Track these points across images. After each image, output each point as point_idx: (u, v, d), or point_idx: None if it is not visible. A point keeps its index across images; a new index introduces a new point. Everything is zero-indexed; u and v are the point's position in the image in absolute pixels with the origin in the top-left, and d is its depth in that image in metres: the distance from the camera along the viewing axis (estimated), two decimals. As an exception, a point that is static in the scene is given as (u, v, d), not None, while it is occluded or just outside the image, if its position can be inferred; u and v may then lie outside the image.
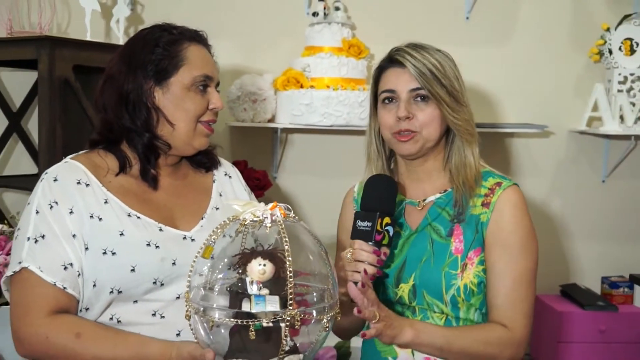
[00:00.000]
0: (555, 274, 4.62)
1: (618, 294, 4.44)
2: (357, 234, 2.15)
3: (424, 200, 2.36)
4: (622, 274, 4.66)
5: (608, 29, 4.43)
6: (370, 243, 2.12)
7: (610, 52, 4.42)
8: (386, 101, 2.31)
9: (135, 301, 2.08)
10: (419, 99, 2.26)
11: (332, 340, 3.54)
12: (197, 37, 2.24)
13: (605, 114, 4.35)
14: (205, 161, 2.38)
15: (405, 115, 2.25)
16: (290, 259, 1.68)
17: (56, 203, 2.07)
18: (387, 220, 2.13)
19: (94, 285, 2.03)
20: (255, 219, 1.78)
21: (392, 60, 2.33)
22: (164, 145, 2.19)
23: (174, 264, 2.09)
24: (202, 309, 1.75)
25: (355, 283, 2.04)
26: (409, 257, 2.29)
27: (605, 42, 4.43)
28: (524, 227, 2.25)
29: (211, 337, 1.76)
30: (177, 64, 2.16)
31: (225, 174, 2.44)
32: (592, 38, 4.51)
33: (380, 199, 2.18)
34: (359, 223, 2.15)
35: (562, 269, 4.66)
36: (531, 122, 4.47)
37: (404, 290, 2.27)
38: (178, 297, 2.06)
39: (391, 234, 2.15)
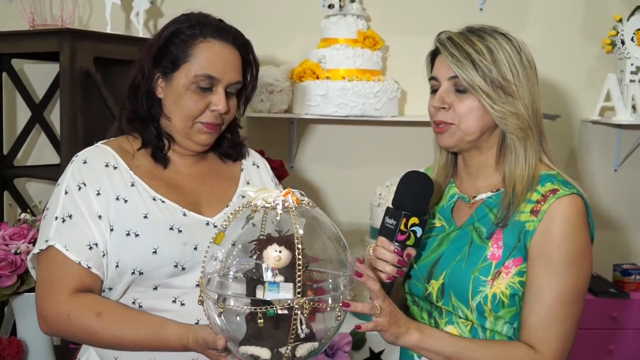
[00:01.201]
0: None
1: (630, 281, 4.45)
2: (382, 230, 2.07)
3: (475, 197, 2.18)
4: (633, 261, 4.70)
5: (620, 20, 4.44)
6: (394, 242, 2.03)
7: (623, 42, 4.44)
8: (433, 91, 2.16)
9: (156, 287, 2.10)
10: (458, 89, 2.08)
11: (348, 327, 3.60)
12: (223, 34, 2.17)
13: (617, 103, 4.37)
14: (232, 153, 2.37)
15: (439, 105, 2.10)
16: (299, 246, 1.66)
17: (84, 184, 2.10)
18: (414, 220, 2.02)
19: (117, 266, 2.06)
20: (267, 204, 1.75)
21: (439, 44, 2.14)
22: (168, 137, 2.21)
23: (195, 249, 2.10)
24: (215, 295, 1.75)
25: (382, 282, 1.99)
26: (445, 254, 2.15)
27: (618, 32, 4.45)
28: (575, 242, 1.99)
29: (224, 323, 1.76)
30: (184, 59, 2.14)
31: (254, 164, 2.45)
32: (605, 29, 4.53)
33: (411, 197, 2.06)
34: (387, 219, 2.06)
35: (575, 256, 4.67)
36: (544, 111, 4.48)
37: (433, 287, 2.13)
38: (198, 285, 1.95)
39: (418, 235, 2.03)
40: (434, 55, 2.19)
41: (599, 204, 4.73)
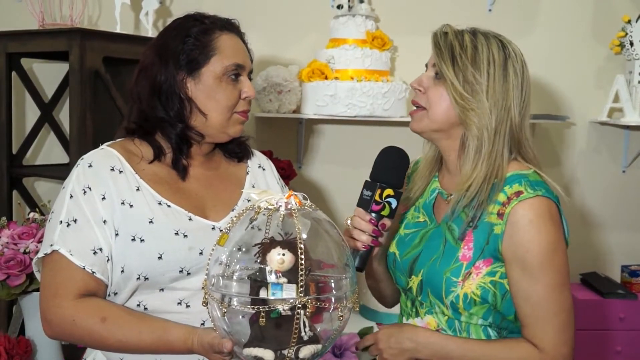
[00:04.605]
0: (575, 262, 4.60)
1: (638, 282, 4.45)
2: (360, 201, 2.16)
3: (451, 195, 2.22)
4: (641, 262, 4.69)
5: (629, 21, 4.44)
6: (370, 212, 2.13)
7: (632, 43, 4.42)
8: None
9: (162, 289, 2.10)
10: (437, 76, 2.14)
11: (355, 327, 3.60)
12: (229, 26, 2.24)
13: (626, 104, 4.37)
14: (237, 151, 2.38)
15: (416, 85, 2.19)
16: (302, 246, 1.67)
17: (89, 188, 2.09)
18: (388, 192, 2.13)
19: (122, 271, 2.05)
20: (270, 207, 1.76)
21: None
22: (197, 135, 2.20)
23: (201, 253, 2.09)
24: (219, 295, 1.75)
25: (355, 251, 2.12)
26: (423, 251, 2.22)
27: (626, 34, 4.44)
28: (542, 243, 2.04)
29: (229, 325, 1.76)
30: (208, 54, 2.16)
31: (259, 166, 2.44)
32: (613, 30, 4.52)
33: (385, 170, 2.17)
34: (364, 192, 2.16)
35: (582, 257, 4.66)
36: (553, 113, 4.50)
37: (414, 282, 2.21)
38: (203, 287, 1.97)
39: (393, 206, 2.14)
40: None
41: (607, 204, 4.74)
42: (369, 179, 2.18)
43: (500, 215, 2.07)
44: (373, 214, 2.14)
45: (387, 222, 2.16)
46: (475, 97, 2.09)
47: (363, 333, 3.57)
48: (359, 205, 2.17)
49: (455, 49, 2.11)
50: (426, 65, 2.22)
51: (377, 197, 2.13)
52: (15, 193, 3.99)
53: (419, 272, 2.19)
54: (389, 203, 2.14)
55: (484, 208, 2.10)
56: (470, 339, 2.14)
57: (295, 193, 1.79)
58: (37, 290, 2.72)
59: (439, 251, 2.17)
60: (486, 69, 2.09)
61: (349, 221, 2.17)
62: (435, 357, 2.12)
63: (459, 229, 2.15)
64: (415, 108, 2.21)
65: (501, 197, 2.08)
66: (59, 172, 3.76)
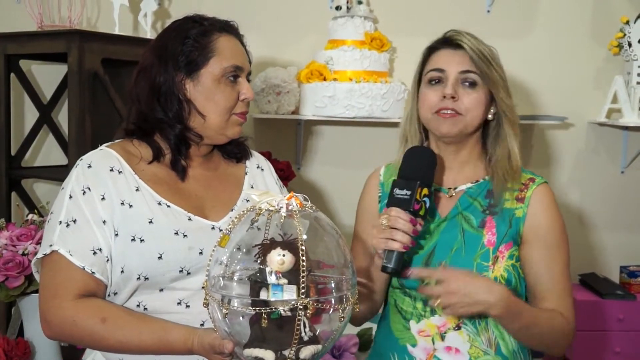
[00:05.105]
0: (574, 263, 4.55)
1: (636, 283, 4.45)
2: (394, 202, 2.12)
3: (455, 188, 2.32)
4: (640, 263, 4.69)
5: (627, 22, 4.44)
6: (409, 212, 2.10)
7: (630, 44, 4.43)
8: (433, 82, 2.28)
9: (162, 289, 2.10)
10: (466, 83, 2.23)
11: (355, 328, 3.60)
12: (228, 28, 2.25)
13: (624, 105, 4.37)
14: (236, 151, 2.39)
15: (451, 93, 2.22)
16: (303, 247, 1.67)
17: (89, 189, 2.09)
18: (425, 191, 2.11)
19: (122, 271, 2.06)
20: (271, 208, 1.77)
21: (446, 41, 2.31)
22: (196, 136, 2.21)
23: (200, 253, 2.10)
24: (219, 296, 1.75)
25: (389, 252, 2.09)
26: (439, 244, 2.25)
27: (625, 34, 4.44)
28: (559, 224, 2.28)
29: (230, 326, 1.77)
30: (207, 56, 2.17)
31: (258, 167, 2.45)
32: (612, 31, 4.52)
33: (422, 168, 2.15)
34: (397, 191, 2.12)
35: (581, 258, 4.64)
36: (551, 113, 4.50)
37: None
38: (203, 287, 1.91)
39: (427, 205, 2.12)
40: (432, 49, 2.34)
41: (606, 205, 4.74)
42: (398, 179, 2.16)
43: (519, 200, 2.26)
44: (411, 213, 2.11)
45: (422, 222, 2.14)
46: (509, 94, 2.31)
47: (362, 334, 3.57)
48: (393, 205, 2.12)
49: (487, 53, 2.26)
50: (437, 71, 2.28)
51: (417, 196, 2.09)
52: (14, 194, 3.99)
53: (439, 265, 2.22)
54: (425, 203, 2.12)
55: (503, 194, 2.26)
56: (528, 305, 2.25)
57: (297, 194, 1.80)
58: (36, 291, 2.73)
59: (458, 241, 2.24)
60: (500, 66, 2.30)
61: (384, 221, 2.12)
62: (506, 314, 2.12)
63: (476, 217, 2.27)
64: (445, 112, 2.25)
65: (516, 185, 2.28)
66: (58, 174, 3.75)
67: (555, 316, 2.22)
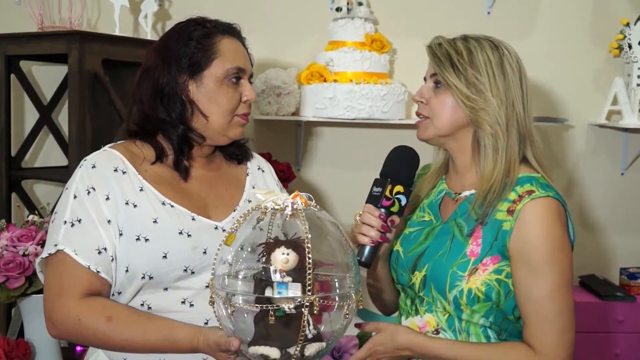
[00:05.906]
0: (574, 265, 4.63)
1: (636, 284, 4.45)
2: (369, 198, 2.20)
3: (460, 193, 2.27)
4: (640, 265, 4.70)
5: (628, 24, 4.45)
6: (379, 208, 2.17)
7: (630, 46, 4.44)
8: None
9: (166, 289, 2.11)
10: (437, 85, 2.21)
11: (355, 329, 3.59)
12: (231, 30, 2.26)
13: (624, 107, 4.37)
14: (237, 153, 2.40)
15: (417, 98, 2.25)
16: (309, 245, 1.69)
17: (93, 189, 2.10)
18: (398, 188, 2.16)
19: (127, 271, 2.07)
20: (276, 207, 1.79)
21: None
22: (198, 137, 2.22)
23: (204, 252, 2.11)
24: (225, 294, 1.77)
25: (362, 246, 2.16)
26: (430, 247, 2.24)
27: (625, 36, 4.45)
28: (550, 240, 2.06)
29: (235, 324, 1.78)
30: (210, 57, 2.18)
31: (259, 168, 2.47)
32: (612, 33, 4.52)
33: (396, 167, 2.22)
34: (374, 188, 2.20)
35: (581, 260, 4.60)
36: (551, 115, 4.50)
37: (417, 278, 2.22)
38: (207, 286, 1.93)
39: (403, 203, 2.17)
40: None
41: (606, 207, 4.74)
42: (378, 177, 2.23)
43: (510, 212, 2.10)
44: (382, 210, 2.17)
45: (396, 219, 2.19)
46: (481, 96, 2.14)
47: (362, 335, 3.57)
48: (368, 202, 2.20)
49: (452, 55, 2.17)
50: (424, 79, 2.28)
51: (387, 193, 2.16)
52: (14, 195, 3.99)
53: (423, 268, 2.21)
54: (399, 200, 2.17)
55: (495, 205, 2.13)
56: (462, 342, 2.16)
57: (301, 193, 1.82)
58: (37, 292, 2.73)
59: (445, 246, 2.20)
60: (484, 69, 2.15)
61: (357, 217, 2.20)
62: (420, 356, 2.16)
63: (467, 226, 2.18)
64: (420, 119, 2.27)
65: (512, 196, 2.12)
66: (58, 175, 3.76)
67: (513, 351, 2.10)
